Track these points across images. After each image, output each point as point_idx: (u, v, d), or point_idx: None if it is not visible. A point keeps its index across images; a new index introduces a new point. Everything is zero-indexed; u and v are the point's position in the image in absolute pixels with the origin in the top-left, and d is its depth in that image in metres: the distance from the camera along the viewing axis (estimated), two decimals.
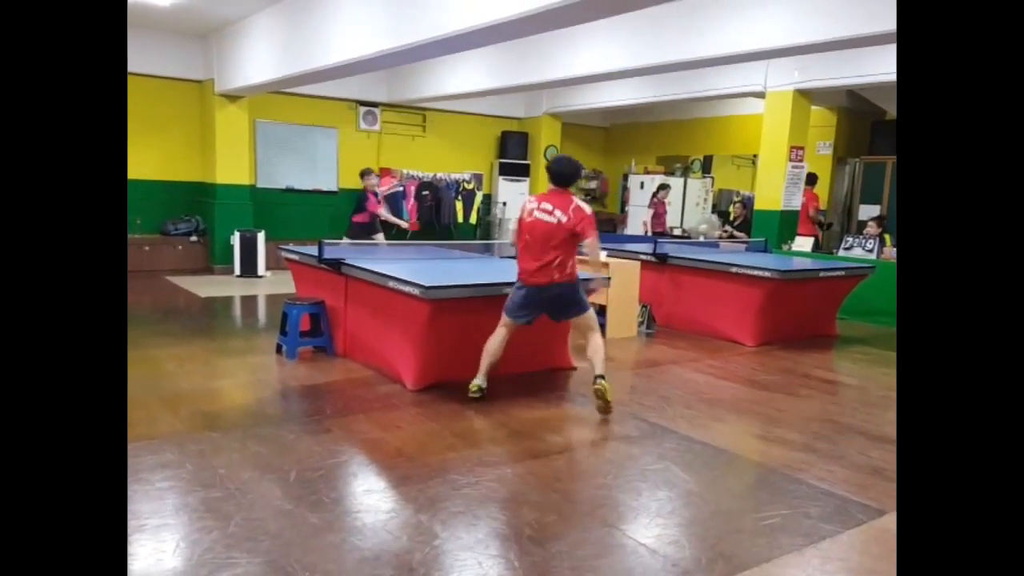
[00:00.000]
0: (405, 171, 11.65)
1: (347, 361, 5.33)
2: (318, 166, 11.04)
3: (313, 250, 5.45)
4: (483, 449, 3.68)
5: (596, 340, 4.40)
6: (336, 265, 5.23)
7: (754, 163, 10.05)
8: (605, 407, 4.23)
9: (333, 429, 3.91)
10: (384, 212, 8.80)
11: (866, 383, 5.44)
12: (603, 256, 4.33)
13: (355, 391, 4.66)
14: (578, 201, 4.30)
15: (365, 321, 5.20)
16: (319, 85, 9.37)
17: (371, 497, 3.14)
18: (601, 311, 6.68)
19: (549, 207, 4.26)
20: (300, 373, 5.05)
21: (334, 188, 11.21)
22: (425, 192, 11.59)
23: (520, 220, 4.37)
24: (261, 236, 9.63)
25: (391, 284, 4.56)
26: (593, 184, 13.75)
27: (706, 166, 12.31)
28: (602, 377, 4.23)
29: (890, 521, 3.01)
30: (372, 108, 11.37)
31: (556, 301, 4.36)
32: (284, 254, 6.19)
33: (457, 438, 3.82)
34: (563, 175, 4.34)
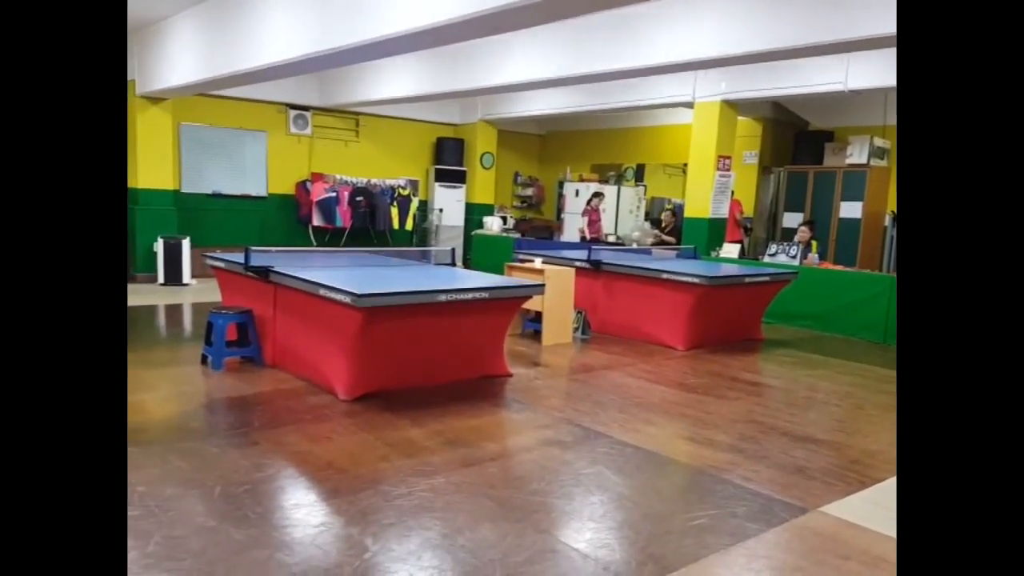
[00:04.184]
0: (338, 176, 11.46)
1: (277, 371, 5.19)
2: (247, 171, 10.76)
3: (240, 257, 5.29)
4: (417, 459, 3.64)
5: None
6: (264, 273, 5.09)
7: (684, 172, 10.31)
8: None
9: (261, 442, 3.80)
10: None
11: (790, 385, 5.64)
12: None
13: (284, 402, 4.54)
14: None
15: (295, 330, 5.08)
16: (247, 88, 9.12)
17: (299, 511, 3.06)
18: (537, 317, 6.72)
19: None
20: (226, 384, 4.88)
21: (263, 193, 10.93)
22: (359, 198, 11.43)
23: None
24: (186, 243, 9.29)
25: (322, 292, 4.47)
26: (529, 191, 13.86)
27: (639, 174, 12.56)
28: None
29: (811, 519, 3.12)
30: (303, 112, 11.15)
31: None
32: (209, 262, 5.98)
33: (390, 448, 3.77)
34: None
